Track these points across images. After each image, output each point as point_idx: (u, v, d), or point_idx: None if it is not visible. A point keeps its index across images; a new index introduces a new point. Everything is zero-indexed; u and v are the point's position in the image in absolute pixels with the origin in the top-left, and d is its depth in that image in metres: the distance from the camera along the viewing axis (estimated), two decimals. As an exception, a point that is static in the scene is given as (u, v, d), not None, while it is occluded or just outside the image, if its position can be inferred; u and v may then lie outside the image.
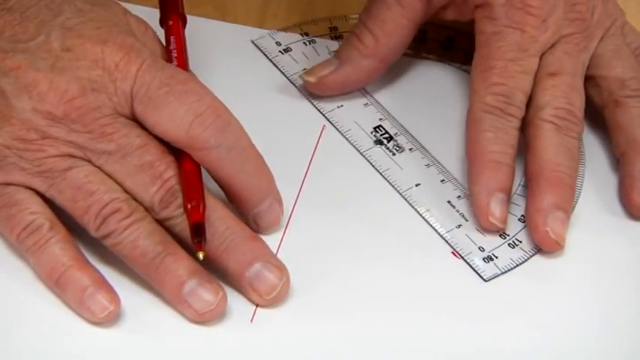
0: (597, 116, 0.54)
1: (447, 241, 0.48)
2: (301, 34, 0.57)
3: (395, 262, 0.46)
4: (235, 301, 0.43)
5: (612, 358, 0.44)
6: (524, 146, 0.50)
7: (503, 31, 0.51)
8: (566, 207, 0.48)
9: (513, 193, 0.50)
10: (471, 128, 0.50)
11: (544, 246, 0.47)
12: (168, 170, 0.43)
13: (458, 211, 0.49)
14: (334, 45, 0.56)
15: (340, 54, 0.54)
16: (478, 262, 0.47)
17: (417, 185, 0.50)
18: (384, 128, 0.53)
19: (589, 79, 0.53)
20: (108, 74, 0.43)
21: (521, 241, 0.48)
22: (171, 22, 0.49)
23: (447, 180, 0.51)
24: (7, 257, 0.44)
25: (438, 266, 0.47)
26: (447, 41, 0.59)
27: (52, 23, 0.44)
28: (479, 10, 0.52)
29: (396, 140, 0.53)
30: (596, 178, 0.52)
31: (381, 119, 0.54)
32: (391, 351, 0.43)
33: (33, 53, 0.43)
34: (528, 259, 0.47)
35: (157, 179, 0.43)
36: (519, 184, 0.50)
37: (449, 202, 0.50)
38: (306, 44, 0.57)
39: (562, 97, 0.50)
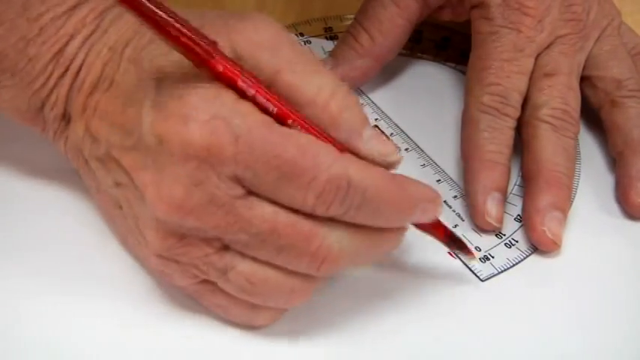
0: (593, 116, 0.54)
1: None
2: (296, 35, 0.57)
3: (391, 263, 0.46)
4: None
5: (610, 357, 0.44)
6: (521, 146, 0.50)
7: (500, 32, 0.51)
8: (564, 207, 0.48)
9: (509, 193, 0.50)
10: (467, 128, 0.50)
11: (541, 246, 0.47)
12: (310, 243, 0.39)
13: (454, 211, 0.49)
14: (329, 45, 0.56)
15: (336, 53, 0.54)
16: (474, 262, 0.47)
17: (413, 185, 0.50)
18: (379, 128, 0.53)
19: (585, 80, 0.53)
20: (204, 162, 0.37)
21: (517, 241, 0.48)
22: (220, 68, 0.38)
23: (442, 180, 0.51)
24: (7, 257, 0.44)
25: (434, 266, 0.47)
26: (443, 41, 0.59)
27: (145, 105, 0.39)
28: (475, 11, 0.52)
29: (391, 140, 0.52)
30: (593, 177, 0.52)
31: (376, 119, 0.54)
32: (388, 351, 0.43)
33: (138, 150, 0.39)
34: (525, 258, 0.47)
35: (304, 256, 0.39)
36: (515, 184, 0.51)
37: (445, 202, 0.50)
38: (301, 44, 0.57)
39: (558, 97, 0.50)
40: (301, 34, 0.58)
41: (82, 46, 0.41)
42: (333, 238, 0.39)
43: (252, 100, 0.38)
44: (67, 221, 0.44)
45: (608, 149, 0.53)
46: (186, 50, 0.36)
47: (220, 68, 0.37)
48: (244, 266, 0.40)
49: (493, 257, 0.47)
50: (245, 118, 0.37)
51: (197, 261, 0.40)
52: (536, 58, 0.51)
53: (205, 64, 0.37)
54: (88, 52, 0.41)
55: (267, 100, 0.38)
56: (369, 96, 0.55)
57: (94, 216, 0.46)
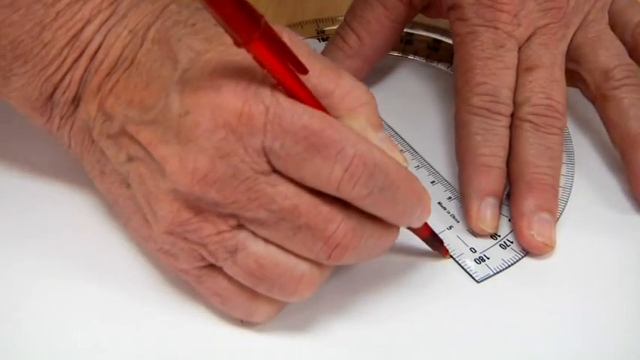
0: (586, 110, 0.53)
1: (438, 243, 0.48)
2: (289, 37, 0.57)
3: (386, 265, 0.46)
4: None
5: (607, 357, 0.44)
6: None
7: (477, 31, 0.50)
8: (550, 207, 0.48)
9: (505, 194, 0.49)
10: (458, 131, 0.50)
11: (533, 250, 0.47)
12: (328, 226, 0.39)
13: (449, 213, 0.49)
14: (322, 47, 0.56)
15: (325, 54, 0.54)
16: (470, 264, 0.47)
17: (407, 187, 0.50)
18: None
19: (574, 73, 0.53)
20: (232, 133, 0.37)
21: (512, 242, 0.48)
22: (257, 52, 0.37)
23: (437, 181, 0.51)
24: (6, 257, 0.44)
25: (429, 268, 0.47)
26: (434, 42, 0.59)
27: (171, 80, 0.39)
28: (451, 13, 0.52)
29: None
30: (587, 175, 0.52)
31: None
32: (383, 352, 0.43)
33: (159, 123, 0.39)
34: (520, 259, 0.47)
35: (319, 239, 0.39)
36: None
37: (439, 203, 0.50)
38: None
39: (540, 92, 0.50)
40: (293, 36, 0.57)
41: (98, 29, 0.42)
42: (350, 225, 0.39)
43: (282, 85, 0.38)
44: (61, 214, 0.44)
45: (602, 144, 0.53)
46: (228, 25, 0.35)
47: (257, 52, 0.36)
48: (256, 247, 0.40)
49: (488, 258, 0.47)
50: (275, 92, 0.38)
51: (207, 240, 0.40)
52: (519, 52, 0.51)
53: (244, 45, 0.36)
54: (107, 34, 0.42)
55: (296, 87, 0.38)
56: (362, 98, 0.55)
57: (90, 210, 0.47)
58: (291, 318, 0.44)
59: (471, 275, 0.46)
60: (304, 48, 0.40)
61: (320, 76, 0.40)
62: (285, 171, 0.38)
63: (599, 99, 0.52)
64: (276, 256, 0.40)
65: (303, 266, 0.40)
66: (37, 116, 0.44)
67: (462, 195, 0.49)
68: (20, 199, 0.47)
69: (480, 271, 0.47)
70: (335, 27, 0.56)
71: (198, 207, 0.39)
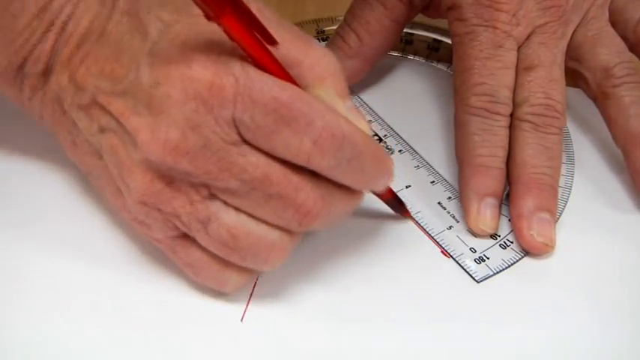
0: (586, 109, 0.53)
1: (438, 243, 0.48)
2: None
3: (386, 265, 0.46)
4: (226, 301, 0.44)
5: (606, 357, 0.44)
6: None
7: (475, 31, 0.50)
8: (550, 207, 0.48)
9: (505, 194, 0.49)
10: (457, 132, 0.50)
11: (533, 250, 0.47)
12: (298, 194, 0.40)
13: (449, 213, 0.49)
14: (322, 47, 0.56)
15: (324, 54, 0.54)
16: (470, 264, 0.47)
17: (407, 187, 0.50)
18: (372, 130, 0.53)
19: (575, 72, 0.53)
20: (203, 104, 0.38)
21: (512, 242, 0.48)
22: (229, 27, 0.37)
23: (437, 181, 0.51)
24: (6, 256, 0.45)
25: (429, 268, 0.47)
26: (434, 42, 0.59)
27: (142, 51, 0.39)
28: (450, 13, 0.52)
29: (385, 142, 0.52)
30: (587, 176, 0.52)
31: (369, 121, 0.54)
32: (383, 352, 0.43)
33: (131, 94, 0.39)
34: (520, 259, 0.47)
35: (289, 207, 0.40)
36: (510, 185, 0.51)
37: (439, 203, 0.50)
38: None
39: (539, 92, 0.50)
40: (293, 36, 0.57)
41: (68, 1, 0.42)
42: (318, 193, 0.40)
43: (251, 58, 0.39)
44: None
45: (602, 144, 0.53)
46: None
47: (228, 26, 0.37)
48: (228, 217, 0.40)
49: (488, 258, 0.47)
50: (244, 65, 0.38)
51: (180, 210, 0.40)
52: (518, 52, 0.51)
53: (214, 19, 0.37)
54: (77, 5, 0.42)
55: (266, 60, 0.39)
56: (362, 97, 0.55)
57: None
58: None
59: (470, 275, 0.46)
60: (273, 18, 0.40)
61: (289, 46, 0.40)
62: (255, 142, 0.39)
63: (600, 97, 0.52)
64: (248, 225, 0.40)
65: (274, 234, 0.41)
66: (8, 87, 0.44)
67: (462, 195, 0.49)
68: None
69: (479, 271, 0.47)
70: (335, 27, 0.56)
71: (170, 177, 0.40)
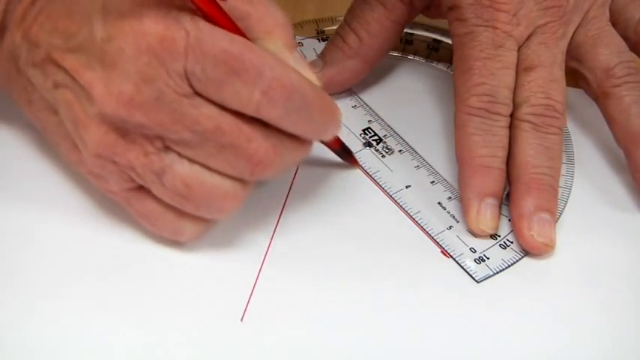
0: (587, 110, 0.53)
1: (438, 243, 0.48)
2: (289, 37, 0.57)
3: (386, 265, 0.46)
4: (226, 300, 0.44)
5: (607, 357, 0.44)
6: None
7: (475, 31, 0.50)
8: (550, 207, 0.48)
9: (505, 194, 0.49)
10: (457, 132, 0.50)
11: (533, 250, 0.47)
12: (250, 145, 0.41)
13: (449, 213, 0.49)
14: (322, 47, 0.56)
15: (324, 55, 0.54)
16: (470, 264, 0.47)
17: (407, 187, 0.50)
18: (373, 130, 0.53)
19: (576, 72, 0.53)
20: (155, 58, 0.39)
21: (512, 242, 0.48)
22: None
23: (437, 181, 0.51)
24: (5, 255, 0.44)
25: (429, 268, 0.47)
26: (434, 42, 0.58)
27: (94, 7, 0.40)
28: (450, 13, 0.51)
29: (385, 142, 0.52)
30: (587, 176, 0.52)
31: (369, 121, 0.54)
32: (383, 352, 0.43)
33: (84, 50, 0.40)
34: (520, 259, 0.47)
35: (241, 157, 0.41)
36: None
37: (439, 203, 0.50)
38: None
39: (539, 92, 0.49)
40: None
41: None
42: (269, 142, 0.41)
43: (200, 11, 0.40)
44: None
45: (602, 144, 0.53)
46: None
47: None
48: (182, 168, 0.41)
49: (488, 258, 0.47)
50: (195, 18, 0.40)
51: (135, 162, 0.41)
52: (518, 52, 0.50)
53: None
54: None
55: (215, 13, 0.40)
56: (362, 97, 0.55)
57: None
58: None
59: (470, 275, 0.46)
60: None
61: (238, 3, 0.41)
62: (207, 94, 0.40)
63: (600, 97, 0.52)
64: (202, 175, 0.42)
65: (227, 184, 0.42)
66: None
67: (462, 195, 0.49)
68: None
69: (479, 271, 0.47)
70: (335, 27, 0.55)
71: (125, 130, 0.41)
